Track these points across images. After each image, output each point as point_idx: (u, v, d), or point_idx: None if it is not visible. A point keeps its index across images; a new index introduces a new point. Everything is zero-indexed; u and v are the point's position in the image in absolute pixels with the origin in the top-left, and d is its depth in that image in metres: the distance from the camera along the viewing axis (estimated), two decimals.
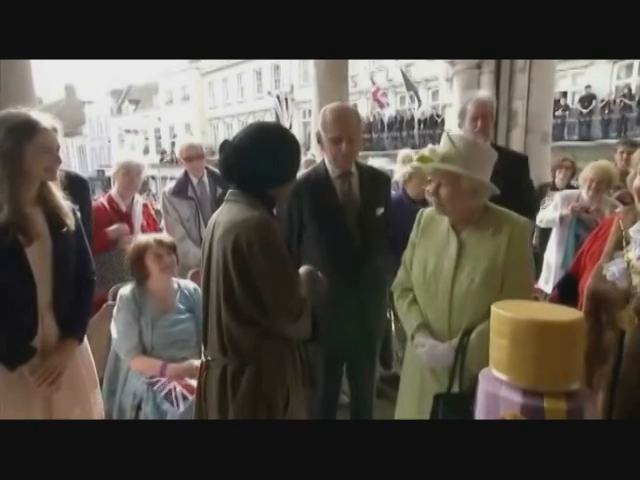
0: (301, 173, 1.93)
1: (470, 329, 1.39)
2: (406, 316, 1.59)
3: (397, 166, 4.14)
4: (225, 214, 1.38)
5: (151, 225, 2.85)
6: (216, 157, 1.49)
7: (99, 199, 2.81)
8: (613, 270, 1.26)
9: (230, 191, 1.43)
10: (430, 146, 1.49)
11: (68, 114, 30.32)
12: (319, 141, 1.86)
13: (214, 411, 1.38)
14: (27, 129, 1.40)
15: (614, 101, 12.25)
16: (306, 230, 1.88)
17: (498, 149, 2.13)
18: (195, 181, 2.93)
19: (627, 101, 11.97)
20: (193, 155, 2.87)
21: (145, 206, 2.92)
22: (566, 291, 1.47)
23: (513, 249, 1.38)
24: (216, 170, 2.92)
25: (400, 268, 1.67)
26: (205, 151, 3.02)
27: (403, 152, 4.32)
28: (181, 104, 27.12)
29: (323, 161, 1.92)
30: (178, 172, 3.16)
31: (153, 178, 28.47)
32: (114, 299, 2.17)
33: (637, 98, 11.94)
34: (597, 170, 2.78)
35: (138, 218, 2.73)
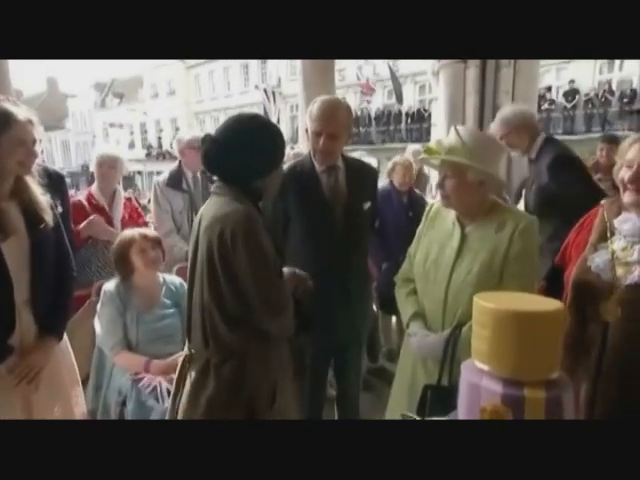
0: (286, 166, 1.92)
1: (463, 321, 1.41)
2: (404, 305, 1.62)
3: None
4: (210, 207, 1.37)
5: (134, 218, 2.75)
6: None
7: (76, 196, 2.71)
8: (598, 261, 1.26)
9: (215, 184, 1.41)
10: (437, 138, 1.50)
11: (50, 107, 29.74)
12: (307, 134, 1.85)
13: (186, 402, 1.38)
14: (1, 121, 1.36)
15: (596, 96, 12.45)
16: (291, 224, 1.87)
17: None
18: (190, 175, 2.90)
19: (609, 96, 12.19)
20: (193, 145, 2.77)
21: (128, 199, 2.82)
22: (553, 283, 1.49)
23: (514, 245, 1.39)
24: None
25: (405, 260, 1.69)
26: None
27: (411, 147, 4.25)
28: (167, 98, 26.76)
29: (309, 154, 1.89)
30: (165, 167, 3.11)
31: (139, 173, 28.13)
32: (98, 295, 2.15)
33: (618, 93, 12.16)
34: None
35: (118, 211, 2.62)
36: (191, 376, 1.39)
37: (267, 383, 1.39)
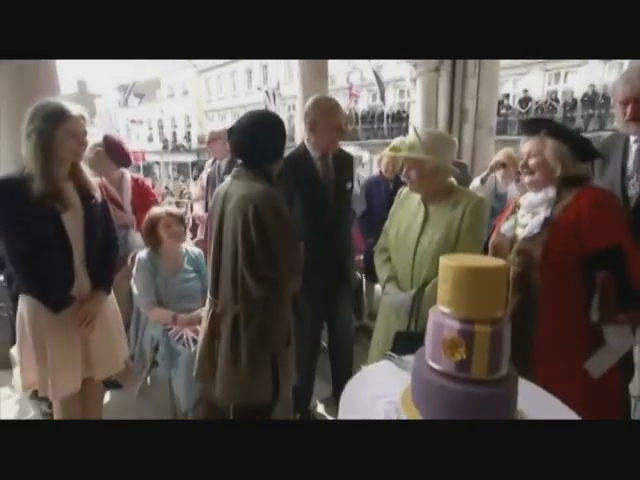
0: (287, 156, 1.97)
1: (426, 281, 1.48)
2: (380, 270, 1.68)
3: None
4: (235, 188, 1.39)
5: (143, 197, 2.57)
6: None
7: None
8: (506, 226, 1.41)
9: (236, 169, 1.44)
10: (399, 138, 1.55)
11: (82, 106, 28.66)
12: (312, 129, 1.85)
13: (225, 351, 1.42)
14: (58, 116, 1.40)
15: (545, 103, 12.54)
16: (295, 200, 1.92)
17: None
18: (209, 162, 3.16)
19: (554, 104, 12.29)
20: (211, 138, 3.02)
21: (136, 181, 2.62)
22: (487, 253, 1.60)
23: (466, 220, 1.45)
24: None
25: (382, 234, 1.74)
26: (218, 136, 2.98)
27: (395, 140, 4.27)
28: (181, 98, 26.07)
29: (303, 145, 1.92)
30: (180, 158, 3.24)
31: (157, 163, 27.59)
32: (132, 262, 2.19)
33: (561, 102, 12.32)
34: (503, 155, 2.97)
35: (126, 196, 2.48)
36: (225, 327, 1.43)
37: (284, 328, 1.46)
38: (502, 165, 2.92)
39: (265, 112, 1.49)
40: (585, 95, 11.74)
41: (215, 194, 1.50)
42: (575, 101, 11.99)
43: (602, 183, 1.58)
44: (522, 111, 12.82)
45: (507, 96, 13.24)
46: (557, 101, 12.38)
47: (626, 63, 11.42)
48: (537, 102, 12.69)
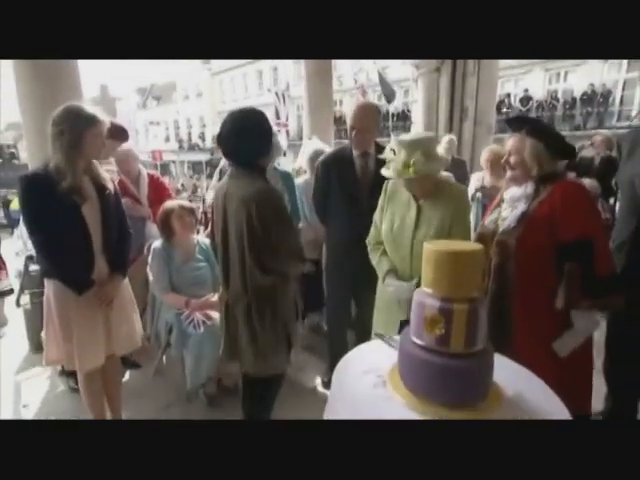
0: (330, 152, 2.10)
1: None
2: (378, 264, 1.68)
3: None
4: (234, 188, 1.41)
5: (159, 192, 2.59)
6: None
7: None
8: (489, 219, 1.44)
9: (231, 169, 1.46)
10: (395, 155, 1.48)
11: (103, 108, 28.97)
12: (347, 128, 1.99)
13: (245, 334, 1.48)
14: (88, 120, 1.47)
15: (545, 102, 12.33)
16: (331, 195, 1.99)
17: None
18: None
19: (555, 102, 12.09)
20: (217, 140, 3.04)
21: (151, 177, 2.61)
22: None
23: (457, 212, 1.47)
24: None
25: (372, 226, 1.73)
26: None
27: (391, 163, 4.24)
28: (195, 100, 26.21)
29: (350, 143, 2.00)
30: (195, 157, 3.23)
31: (173, 162, 27.84)
32: (148, 252, 2.25)
33: (561, 100, 12.09)
34: (490, 152, 2.94)
35: (143, 191, 2.52)
36: (239, 314, 1.48)
37: (291, 307, 1.51)
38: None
39: (243, 111, 1.43)
40: (584, 94, 11.53)
41: (215, 193, 1.53)
42: (575, 100, 11.79)
43: (622, 176, 1.57)
44: (523, 110, 12.60)
45: (508, 95, 13.01)
46: (557, 100, 12.18)
47: (625, 63, 11.17)
48: (538, 101, 12.48)
